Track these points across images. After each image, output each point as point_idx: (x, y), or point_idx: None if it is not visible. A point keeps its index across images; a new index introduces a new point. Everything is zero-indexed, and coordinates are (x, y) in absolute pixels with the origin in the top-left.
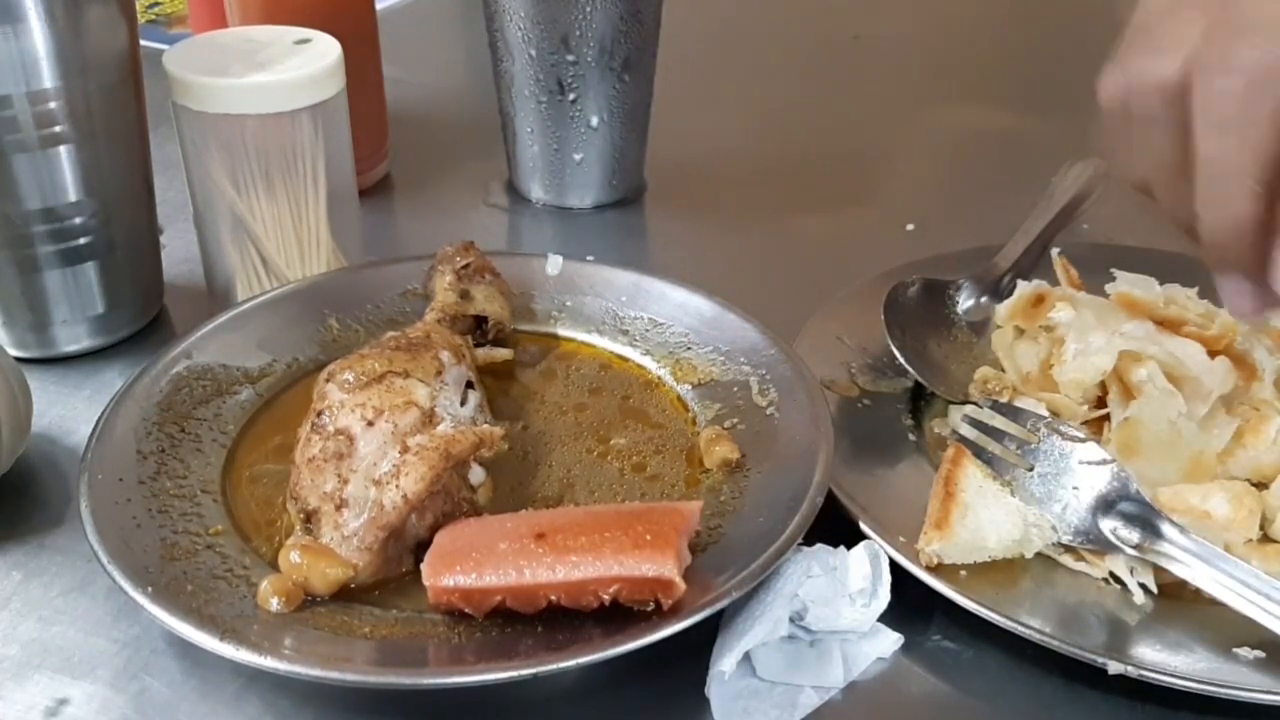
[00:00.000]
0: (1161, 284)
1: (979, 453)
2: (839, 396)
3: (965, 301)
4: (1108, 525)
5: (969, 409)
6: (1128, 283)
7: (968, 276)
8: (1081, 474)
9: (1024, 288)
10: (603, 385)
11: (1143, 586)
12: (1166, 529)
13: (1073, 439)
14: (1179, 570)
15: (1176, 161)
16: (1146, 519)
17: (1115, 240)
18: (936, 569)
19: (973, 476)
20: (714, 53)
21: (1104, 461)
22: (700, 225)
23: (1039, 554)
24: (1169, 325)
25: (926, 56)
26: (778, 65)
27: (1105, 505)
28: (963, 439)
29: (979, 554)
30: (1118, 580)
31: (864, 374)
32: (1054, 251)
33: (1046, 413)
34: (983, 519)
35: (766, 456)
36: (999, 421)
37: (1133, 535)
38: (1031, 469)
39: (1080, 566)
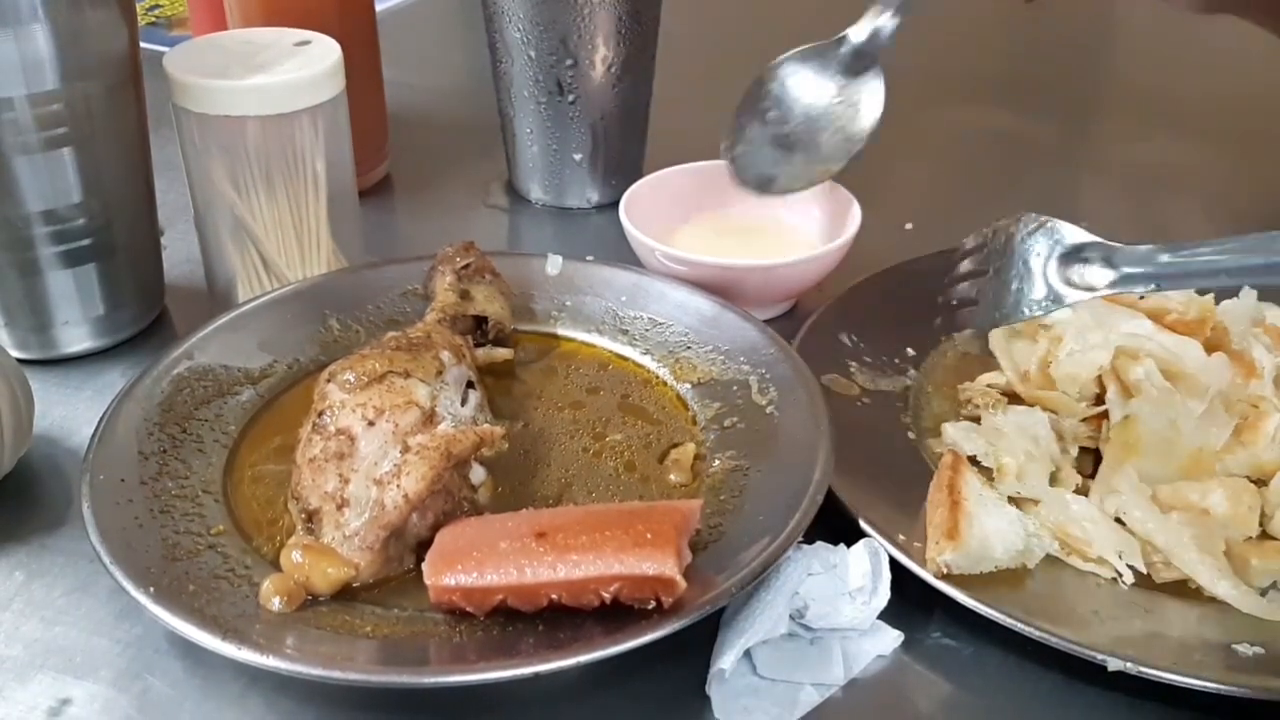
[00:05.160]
0: None
1: (963, 315)
2: (839, 396)
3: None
4: (1071, 274)
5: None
6: None
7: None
8: (1025, 247)
9: None
10: (602, 384)
11: (1132, 568)
12: (1122, 255)
13: (1010, 222)
14: (1151, 286)
15: None
16: (1093, 255)
17: (1115, 240)
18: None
19: (973, 484)
20: (713, 53)
21: (1042, 222)
22: None
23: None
24: (1153, 317)
25: (926, 57)
26: None
27: (1058, 262)
28: (950, 302)
29: (985, 564)
30: (1114, 573)
31: (863, 373)
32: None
33: None
34: (988, 529)
35: (766, 455)
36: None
37: (1086, 276)
38: (987, 271)
39: (1073, 561)
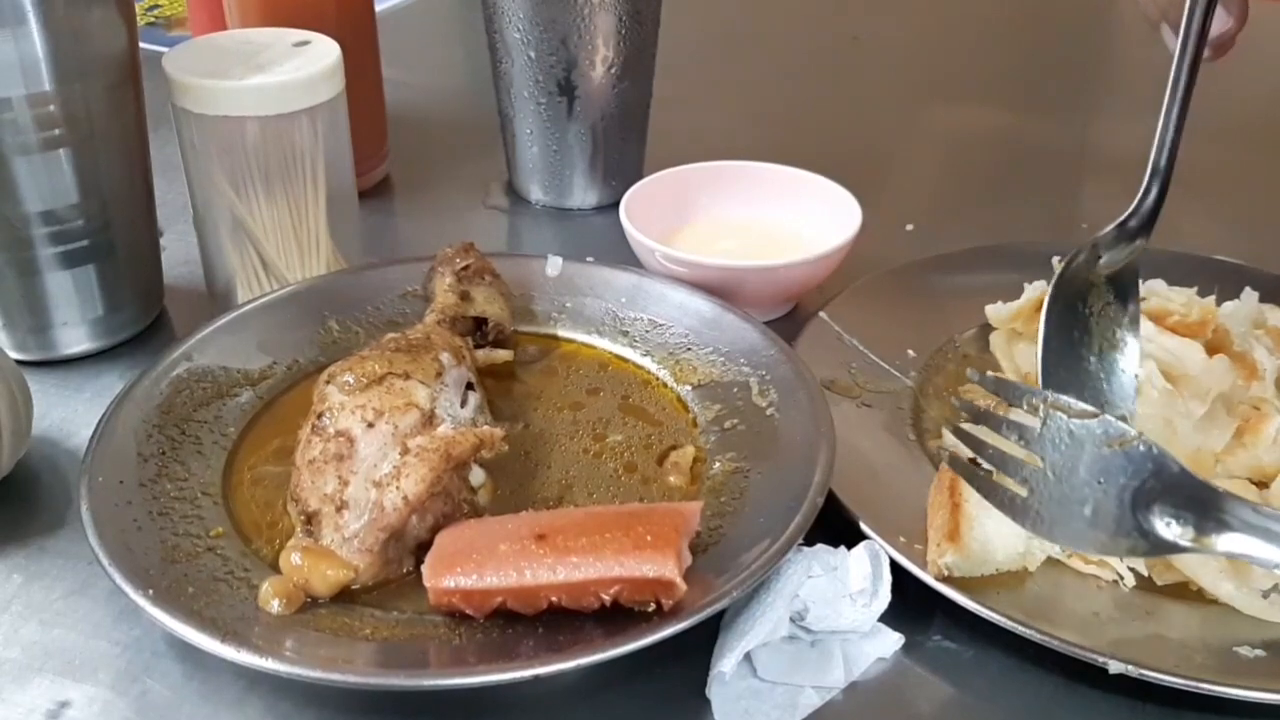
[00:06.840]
0: (1169, 284)
1: (973, 479)
2: (839, 396)
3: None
4: (1159, 521)
5: (961, 408)
6: None
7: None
8: (1104, 462)
9: (1029, 292)
10: (602, 386)
11: (1134, 571)
12: (1236, 510)
13: (1080, 414)
14: (1263, 557)
15: None
16: (1202, 502)
17: None
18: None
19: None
20: (713, 53)
21: (1127, 439)
22: None
23: None
24: (1154, 319)
25: (926, 56)
26: (777, 66)
27: (1145, 496)
28: (955, 462)
29: (986, 567)
30: (1115, 575)
31: (864, 374)
32: (1054, 259)
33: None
34: (989, 531)
35: (767, 457)
36: (992, 407)
37: (1188, 529)
38: (1042, 463)
39: (1074, 564)
